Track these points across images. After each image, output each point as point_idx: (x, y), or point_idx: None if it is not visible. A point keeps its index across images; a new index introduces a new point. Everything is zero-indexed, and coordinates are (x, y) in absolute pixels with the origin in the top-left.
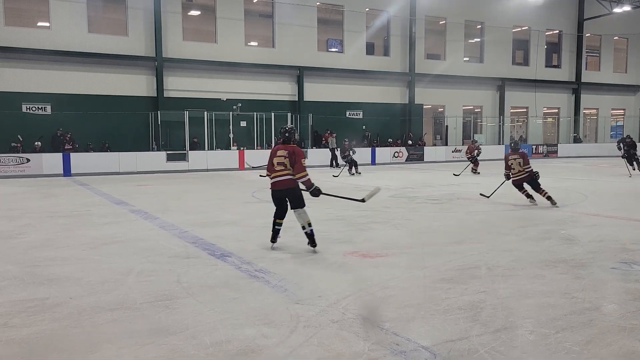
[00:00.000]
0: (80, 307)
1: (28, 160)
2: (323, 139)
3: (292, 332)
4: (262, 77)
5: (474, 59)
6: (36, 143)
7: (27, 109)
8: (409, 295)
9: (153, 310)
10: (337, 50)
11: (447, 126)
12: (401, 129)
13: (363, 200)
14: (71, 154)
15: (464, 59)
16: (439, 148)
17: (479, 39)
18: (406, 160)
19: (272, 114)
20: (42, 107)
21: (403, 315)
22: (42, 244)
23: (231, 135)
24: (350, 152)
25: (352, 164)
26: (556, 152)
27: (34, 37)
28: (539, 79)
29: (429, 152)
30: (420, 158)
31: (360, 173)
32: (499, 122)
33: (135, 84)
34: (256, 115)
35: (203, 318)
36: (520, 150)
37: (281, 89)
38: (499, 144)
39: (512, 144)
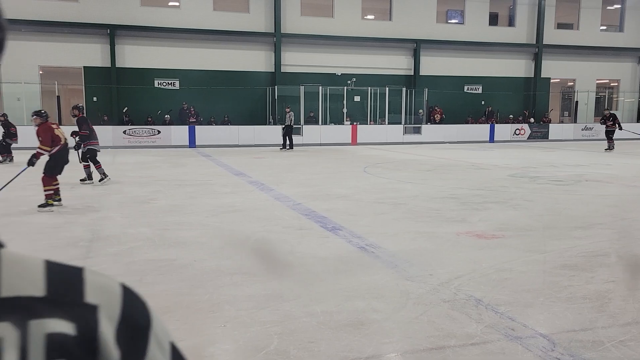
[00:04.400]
0: (204, 270)
1: (159, 132)
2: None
3: (402, 308)
4: (377, 51)
5: (613, 28)
6: (166, 116)
7: (158, 84)
8: (527, 280)
9: (268, 277)
10: (457, 21)
11: (577, 102)
12: (524, 105)
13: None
14: (196, 127)
15: (601, 27)
16: (566, 125)
17: (619, 5)
18: (528, 138)
19: (387, 88)
20: (171, 83)
21: (520, 300)
22: (170, 210)
23: (344, 110)
24: None
25: None
26: None
27: (165, 16)
28: None
29: (555, 129)
30: (544, 136)
31: None
32: (639, 97)
33: (254, 60)
34: (370, 90)
35: (314, 288)
36: None
37: (396, 63)
38: (638, 122)
39: None
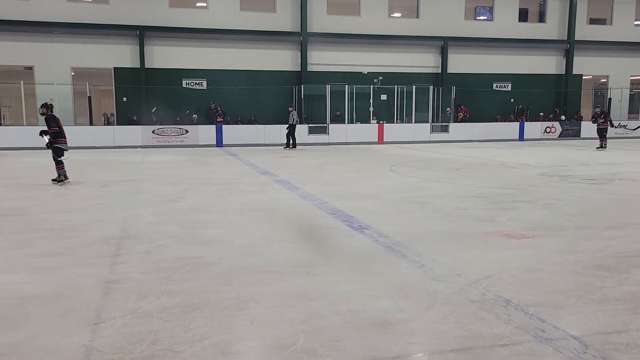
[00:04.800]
0: (230, 267)
1: (187, 131)
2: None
3: (429, 308)
4: (404, 49)
5: None
6: (193, 116)
7: (186, 84)
8: (558, 281)
9: (294, 276)
10: (485, 18)
11: (610, 99)
12: (555, 102)
13: None
14: (223, 126)
15: (635, 22)
16: None
17: None
18: (559, 136)
19: (414, 86)
20: (199, 83)
21: (550, 301)
22: (198, 208)
23: (371, 109)
24: None
25: None
26: None
27: (193, 17)
28: None
29: (587, 127)
30: (576, 134)
31: None
32: None
33: (281, 59)
34: (397, 88)
35: (341, 287)
36: None
37: (424, 61)
38: None
39: None
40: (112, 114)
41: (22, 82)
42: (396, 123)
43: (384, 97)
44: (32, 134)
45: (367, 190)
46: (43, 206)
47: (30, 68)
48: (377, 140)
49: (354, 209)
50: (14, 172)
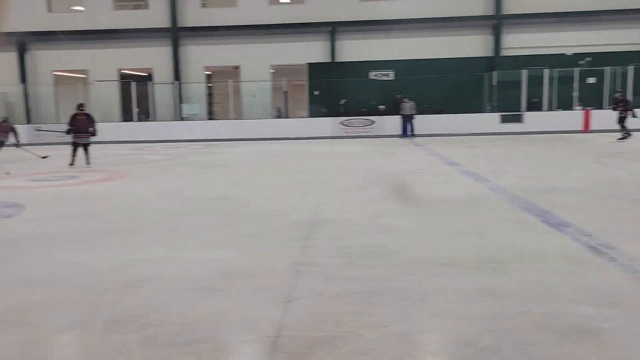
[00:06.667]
0: (414, 258)
1: (373, 122)
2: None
3: None
4: (613, 25)
5: None
6: (380, 107)
7: (374, 76)
8: None
9: (480, 271)
10: None
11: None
12: None
13: None
14: None
15: None
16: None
17: None
18: None
19: (629, 68)
20: (386, 74)
21: None
22: (382, 197)
23: (575, 94)
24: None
25: None
26: None
27: (380, 9)
28: None
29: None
30: None
31: None
32: None
33: (471, 45)
34: (608, 70)
35: (533, 287)
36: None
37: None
38: None
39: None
40: (278, 108)
41: (229, 80)
42: (607, 109)
43: (591, 80)
44: (239, 127)
45: (567, 183)
46: (246, 192)
47: (237, 67)
48: (582, 128)
49: (551, 204)
50: (223, 161)
